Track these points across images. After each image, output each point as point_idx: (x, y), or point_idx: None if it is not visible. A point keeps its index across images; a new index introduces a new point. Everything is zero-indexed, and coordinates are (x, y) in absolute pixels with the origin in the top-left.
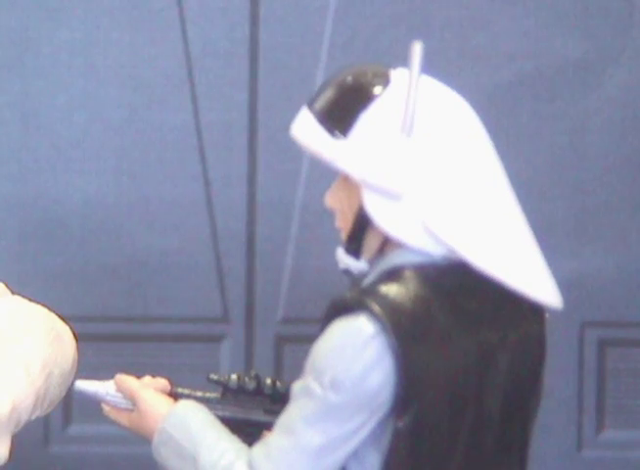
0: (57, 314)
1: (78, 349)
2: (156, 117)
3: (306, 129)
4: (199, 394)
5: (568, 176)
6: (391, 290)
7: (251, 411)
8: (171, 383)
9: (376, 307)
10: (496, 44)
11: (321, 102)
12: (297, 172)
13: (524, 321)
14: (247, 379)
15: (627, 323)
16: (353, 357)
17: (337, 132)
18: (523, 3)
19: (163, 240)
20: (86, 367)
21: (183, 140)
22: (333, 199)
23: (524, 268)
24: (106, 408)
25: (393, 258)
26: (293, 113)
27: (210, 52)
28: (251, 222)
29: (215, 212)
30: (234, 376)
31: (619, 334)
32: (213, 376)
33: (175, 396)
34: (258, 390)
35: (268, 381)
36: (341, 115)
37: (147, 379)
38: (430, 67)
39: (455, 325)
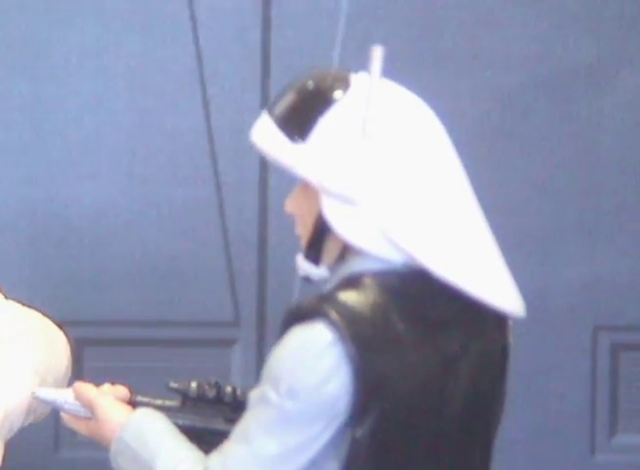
0: (69, 321)
1: (78, 353)
2: (167, 120)
3: (265, 134)
4: (158, 402)
5: (581, 179)
6: (350, 297)
7: (211, 420)
8: (131, 391)
9: (334, 315)
10: (509, 47)
11: (280, 107)
12: None
13: (486, 329)
14: (207, 387)
15: None
16: (310, 365)
17: (296, 137)
18: (535, 6)
19: (175, 244)
20: (97, 372)
21: (194, 144)
22: (292, 205)
23: (485, 276)
24: (65, 417)
25: (352, 266)
26: None
27: (222, 55)
28: (262, 226)
29: (227, 216)
30: (194, 384)
31: (633, 338)
32: (173, 384)
33: (134, 404)
34: (219, 398)
35: (229, 389)
36: (299, 119)
37: (106, 387)
38: (442, 70)
39: (415, 334)
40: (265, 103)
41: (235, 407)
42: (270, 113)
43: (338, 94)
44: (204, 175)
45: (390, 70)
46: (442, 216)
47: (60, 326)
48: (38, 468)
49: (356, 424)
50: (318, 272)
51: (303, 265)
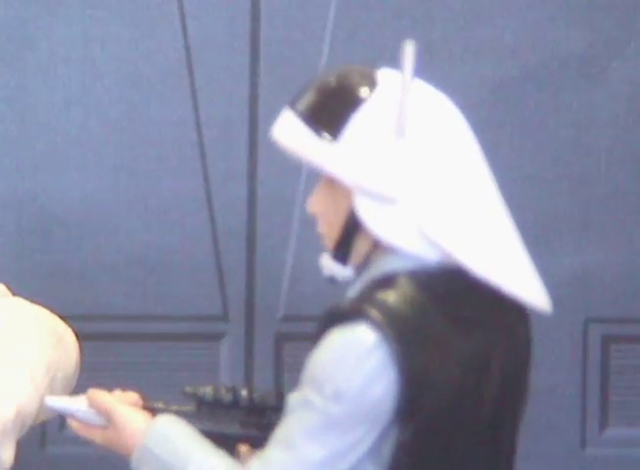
0: (57, 315)
1: (80, 350)
2: (155, 112)
3: (292, 133)
4: (174, 407)
5: (572, 170)
6: (389, 297)
7: (228, 425)
8: (143, 397)
9: (376, 316)
10: (500, 37)
11: (307, 104)
12: (298, 169)
13: (512, 324)
14: (223, 391)
15: (631, 320)
16: (355, 368)
17: (326, 135)
18: None
19: (163, 237)
20: (85, 367)
21: (183, 136)
22: (316, 204)
23: (515, 271)
24: (74, 425)
25: (385, 265)
26: None
27: (210, 46)
28: (251, 219)
29: (215, 209)
30: (209, 389)
31: (624, 330)
32: (188, 389)
33: (149, 410)
34: (235, 402)
35: (244, 393)
36: (330, 117)
37: (117, 393)
38: (433, 60)
39: (453, 331)
40: (254, 94)
41: (250, 411)
42: (295, 110)
43: (367, 91)
44: (192, 167)
45: (380, 61)
46: (474, 212)
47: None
48: (25, 464)
49: (401, 426)
50: (344, 272)
51: (329, 265)
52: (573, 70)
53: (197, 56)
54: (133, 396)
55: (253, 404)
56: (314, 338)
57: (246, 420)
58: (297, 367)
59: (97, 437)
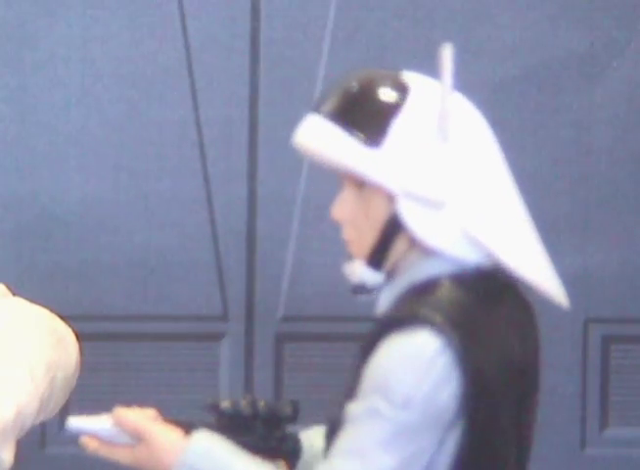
0: (57, 315)
1: (80, 350)
2: (155, 112)
3: (330, 140)
4: (196, 421)
5: (572, 170)
6: (442, 301)
7: (247, 437)
8: (159, 411)
9: (438, 320)
10: (500, 37)
11: (345, 111)
12: (298, 168)
13: (530, 322)
14: (242, 404)
15: (631, 319)
16: (423, 374)
17: (369, 142)
18: None
19: (163, 237)
20: (85, 367)
21: (183, 136)
22: (344, 211)
23: (545, 270)
24: (93, 445)
25: (425, 269)
26: (294, 108)
27: (210, 46)
28: (251, 219)
29: (215, 209)
30: (228, 401)
31: (624, 330)
32: (209, 402)
33: (176, 425)
34: (253, 414)
35: (262, 404)
36: (371, 124)
37: (136, 410)
38: (432, 60)
39: (498, 332)
40: (254, 94)
41: (267, 422)
42: (328, 116)
43: (403, 96)
44: (192, 167)
45: (380, 61)
46: (508, 213)
47: (66, 322)
48: (24, 465)
49: (467, 426)
50: (377, 278)
51: (361, 271)
52: (573, 70)
53: (197, 56)
54: (152, 412)
55: (270, 416)
56: (366, 345)
57: (263, 432)
58: (298, 367)
59: (123, 456)
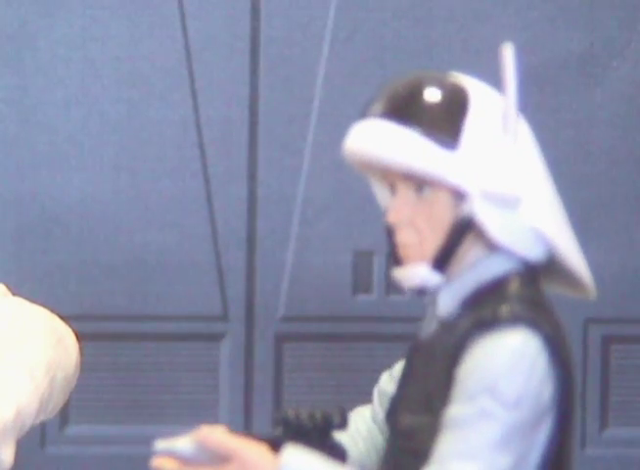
0: (57, 315)
1: (80, 350)
2: (155, 112)
3: (402, 144)
4: (269, 433)
5: (571, 171)
6: (523, 298)
7: (308, 447)
8: (229, 427)
9: (532, 317)
10: (500, 37)
11: (413, 113)
12: (299, 168)
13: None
14: (303, 415)
15: (631, 320)
16: (529, 373)
17: (446, 144)
18: None
19: (162, 237)
20: (85, 367)
21: (182, 136)
22: (403, 214)
23: (587, 268)
24: (169, 465)
25: (491, 267)
26: (294, 108)
27: (211, 46)
28: (251, 219)
29: (215, 209)
30: (291, 412)
31: (624, 331)
32: (279, 415)
33: (259, 439)
34: (313, 425)
35: (319, 414)
36: (446, 126)
37: (208, 428)
38: (432, 60)
39: (562, 327)
40: (254, 94)
41: (322, 432)
42: (397, 119)
43: (466, 97)
44: (192, 168)
45: (380, 61)
46: (561, 210)
47: (66, 322)
48: (25, 464)
49: (556, 423)
50: (438, 281)
51: (424, 275)
52: (573, 70)
53: (197, 56)
54: (222, 428)
55: (325, 425)
56: (450, 348)
57: (319, 442)
58: (298, 367)
59: None
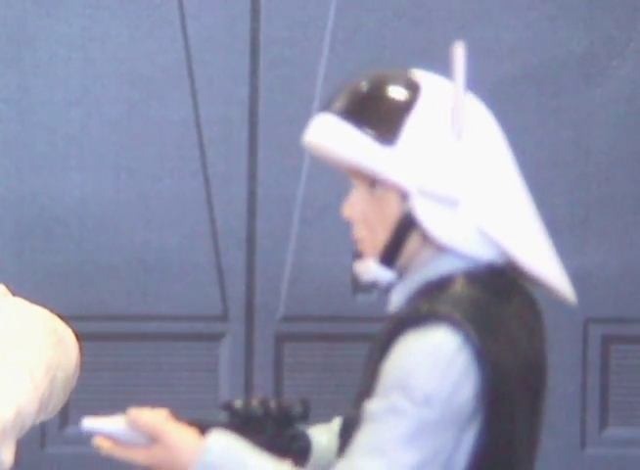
0: (57, 315)
1: (80, 350)
2: (155, 112)
3: (343, 138)
4: (209, 420)
5: (572, 171)
6: (458, 298)
7: (258, 436)
8: (172, 412)
9: (456, 317)
10: (500, 37)
11: (357, 109)
12: (298, 168)
13: (537, 319)
14: (254, 403)
15: (631, 320)
16: (444, 371)
17: (384, 140)
18: None
19: (162, 237)
20: (85, 367)
21: (182, 136)
22: (356, 209)
23: (555, 268)
24: (106, 445)
25: (439, 266)
26: (294, 108)
27: (210, 46)
28: (251, 219)
29: (215, 209)
30: (240, 401)
31: (623, 331)
32: (223, 401)
33: (189, 424)
34: (265, 414)
35: (273, 404)
36: (385, 122)
37: (150, 410)
38: (432, 59)
39: (512, 328)
40: (254, 94)
41: (279, 422)
42: (341, 114)
43: (415, 94)
44: (192, 167)
45: (380, 61)
46: (521, 211)
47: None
48: (25, 464)
49: (484, 424)
50: (388, 276)
51: (373, 269)
52: (573, 70)
53: (197, 56)
54: (165, 412)
55: (281, 415)
56: (382, 343)
57: (274, 431)
58: (298, 367)
59: (138, 456)
